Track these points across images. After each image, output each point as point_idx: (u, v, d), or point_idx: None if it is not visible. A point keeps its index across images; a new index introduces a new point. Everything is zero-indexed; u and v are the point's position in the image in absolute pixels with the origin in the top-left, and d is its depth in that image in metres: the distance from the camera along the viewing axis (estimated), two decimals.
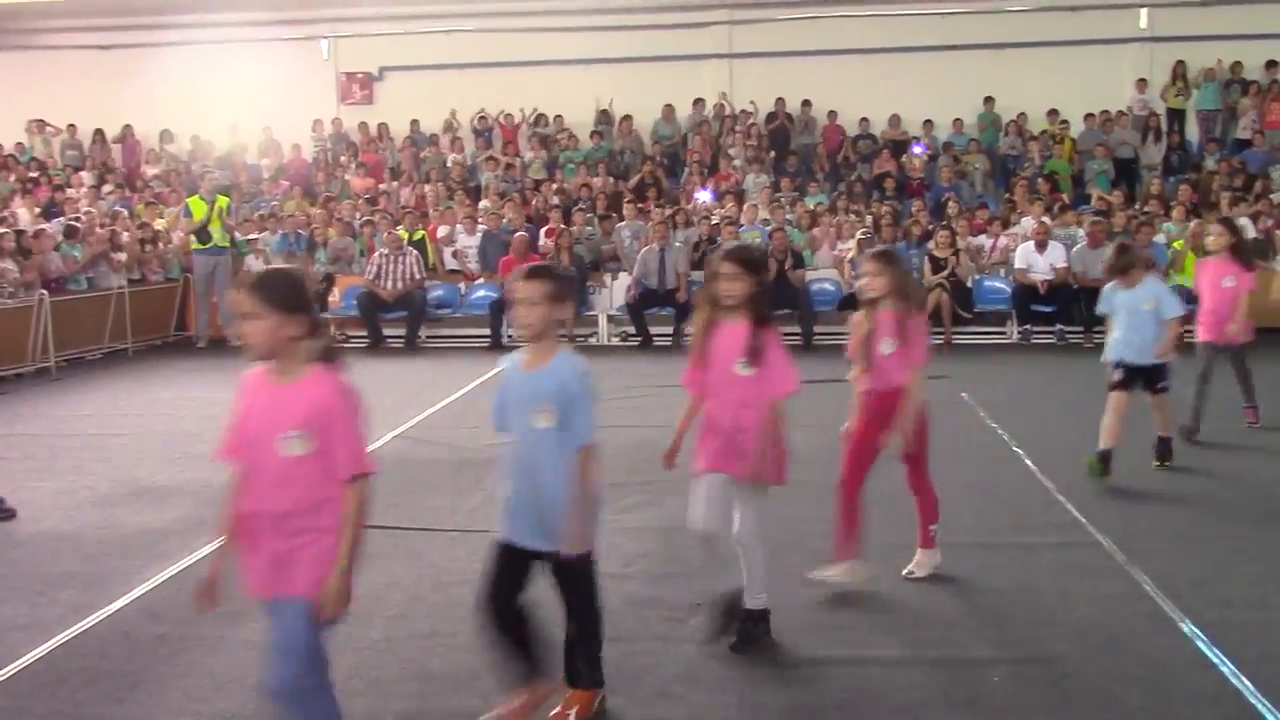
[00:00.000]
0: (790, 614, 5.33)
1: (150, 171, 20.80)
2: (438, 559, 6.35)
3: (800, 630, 5.18)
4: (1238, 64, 20.70)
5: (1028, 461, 8.29)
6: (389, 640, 5.19)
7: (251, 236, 16.83)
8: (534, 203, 18.10)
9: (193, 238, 15.76)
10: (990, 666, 4.77)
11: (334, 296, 15.91)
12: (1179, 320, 7.90)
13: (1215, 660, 4.75)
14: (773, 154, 20.35)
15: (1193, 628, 5.09)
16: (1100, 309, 8.21)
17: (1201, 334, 9.04)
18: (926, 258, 15.17)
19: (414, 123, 21.75)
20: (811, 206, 17.35)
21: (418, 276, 15.50)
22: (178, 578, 6.08)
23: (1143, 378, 7.88)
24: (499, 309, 15.18)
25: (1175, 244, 14.69)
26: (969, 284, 15.15)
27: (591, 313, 15.78)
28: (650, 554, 6.39)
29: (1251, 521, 6.78)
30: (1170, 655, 4.85)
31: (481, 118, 21.33)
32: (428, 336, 15.84)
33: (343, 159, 20.96)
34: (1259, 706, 4.32)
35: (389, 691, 4.67)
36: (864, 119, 21.31)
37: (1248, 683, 4.51)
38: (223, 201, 15.91)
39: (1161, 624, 5.20)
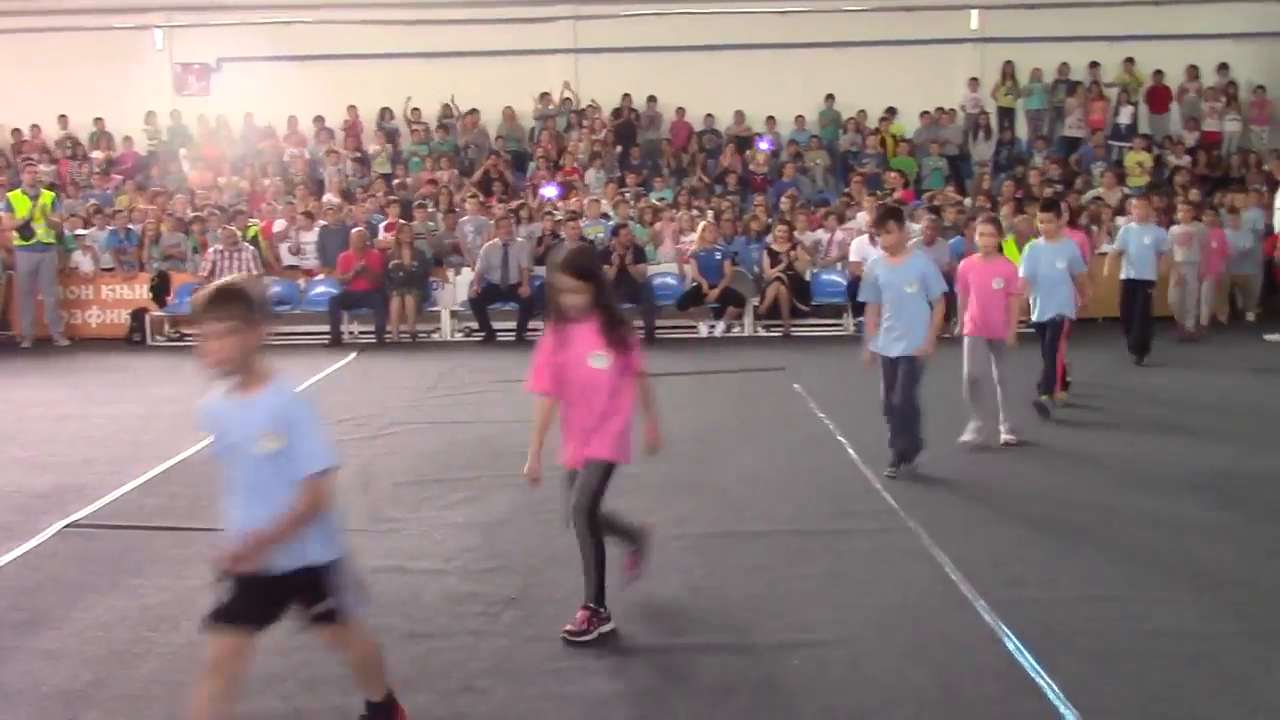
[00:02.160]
0: (609, 602, 5.40)
1: None
2: None
3: (616, 619, 5.24)
4: (1064, 65, 21.57)
5: (851, 451, 8.51)
6: (193, 644, 5.04)
7: (80, 232, 16.24)
8: (378, 197, 17.83)
9: (15, 234, 15.11)
10: (793, 650, 4.91)
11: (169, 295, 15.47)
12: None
13: (1002, 636, 4.98)
14: (619, 149, 20.45)
15: (985, 606, 5.31)
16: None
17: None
18: (765, 251, 15.45)
19: (248, 115, 21.18)
20: (655, 202, 17.47)
21: (254, 272, 15.15)
22: None
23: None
24: (338, 305, 14.96)
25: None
26: (807, 277, 15.49)
27: (434, 308, 15.66)
28: (472, 549, 6.38)
29: (1050, 508, 7.07)
30: (962, 633, 5.06)
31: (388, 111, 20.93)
32: (267, 333, 15.45)
33: (182, 151, 20.31)
34: (1038, 679, 4.54)
35: (188, 696, 4.54)
36: (709, 115, 21.59)
37: (1030, 658, 4.73)
38: (47, 196, 15.29)
39: (957, 604, 5.41)
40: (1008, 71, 21.48)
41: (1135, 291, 11.88)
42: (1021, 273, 9.27)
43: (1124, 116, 21.02)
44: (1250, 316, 15.97)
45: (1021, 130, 21.62)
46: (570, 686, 4.62)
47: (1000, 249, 9.20)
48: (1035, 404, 9.49)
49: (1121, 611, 5.28)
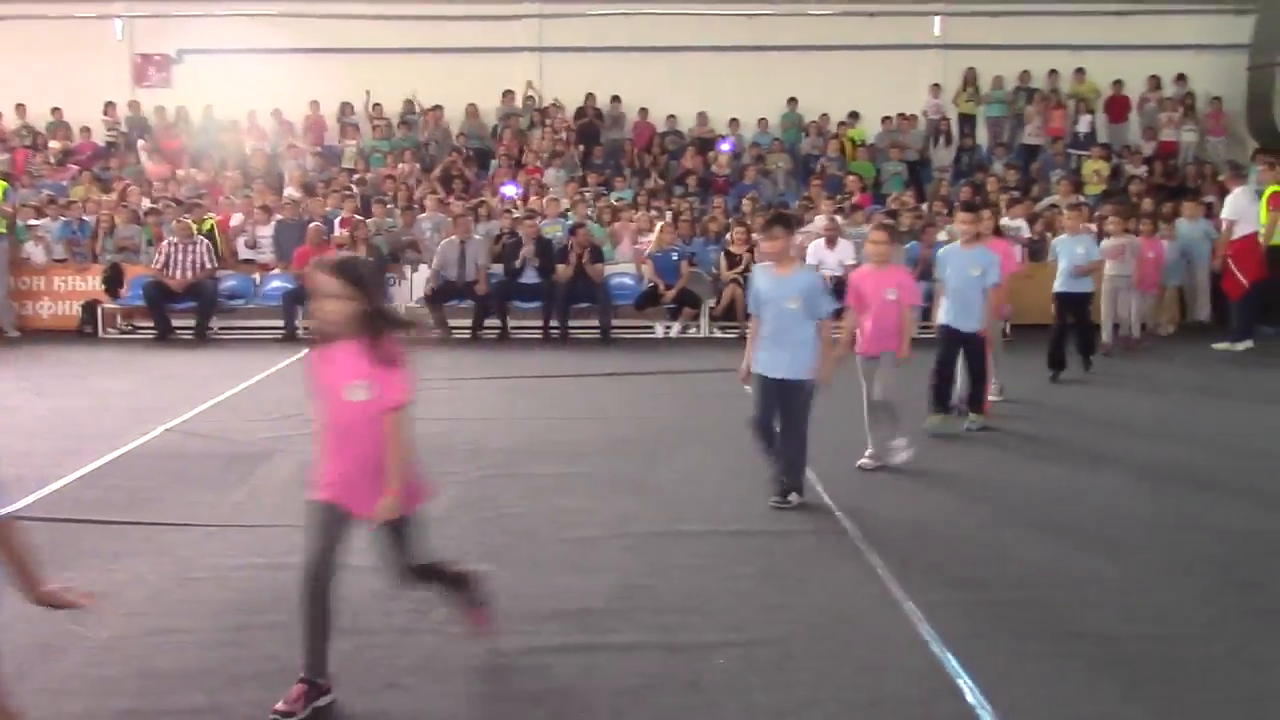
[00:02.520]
0: (532, 602, 5.42)
1: None
2: (189, 554, 6.21)
3: (540, 618, 5.26)
4: (1025, 73, 21.76)
5: None
6: (119, 638, 5.05)
7: (33, 222, 16.07)
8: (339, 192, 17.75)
9: None
10: (719, 649, 4.93)
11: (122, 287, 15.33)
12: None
13: (928, 638, 5.02)
14: (581, 148, 20.45)
15: (913, 608, 5.36)
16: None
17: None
18: (723, 253, 15.49)
19: (208, 107, 21.04)
20: (614, 201, 17.48)
21: (208, 266, 15.05)
22: None
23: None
24: (293, 300, 14.87)
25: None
26: None
27: (390, 304, 15.55)
28: None
29: (986, 514, 7.13)
30: (889, 634, 5.11)
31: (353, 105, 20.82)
32: (220, 328, 15.39)
33: (140, 142, 20.14)
34: (960, 681, 4.59)
35: (108, 690, 4.55)
36: (672, 116, 21.65)
37: (953, 659, 4.78)
38: None
39: (886, 605, 5.45)
40: (969, 78, 21.67)
41: (1067, 305, 11.58)
42: (936, 275, 9.34)
43: (1083, 125, 21.26)
44: (1203, 316, 15.94)
45: (982, 137, 21.79)
46: (494, 684, 4.64)
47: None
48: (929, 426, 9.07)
49: (1046, 614, 5.35)
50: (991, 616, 5.30)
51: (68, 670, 4.74)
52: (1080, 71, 21.57)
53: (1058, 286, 11.57)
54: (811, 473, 7.84)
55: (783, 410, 6.97)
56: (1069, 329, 11.72)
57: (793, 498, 7.07)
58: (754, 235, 15.68)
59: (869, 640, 5.04)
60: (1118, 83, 21.61)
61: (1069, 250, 11.51)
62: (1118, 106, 21.64)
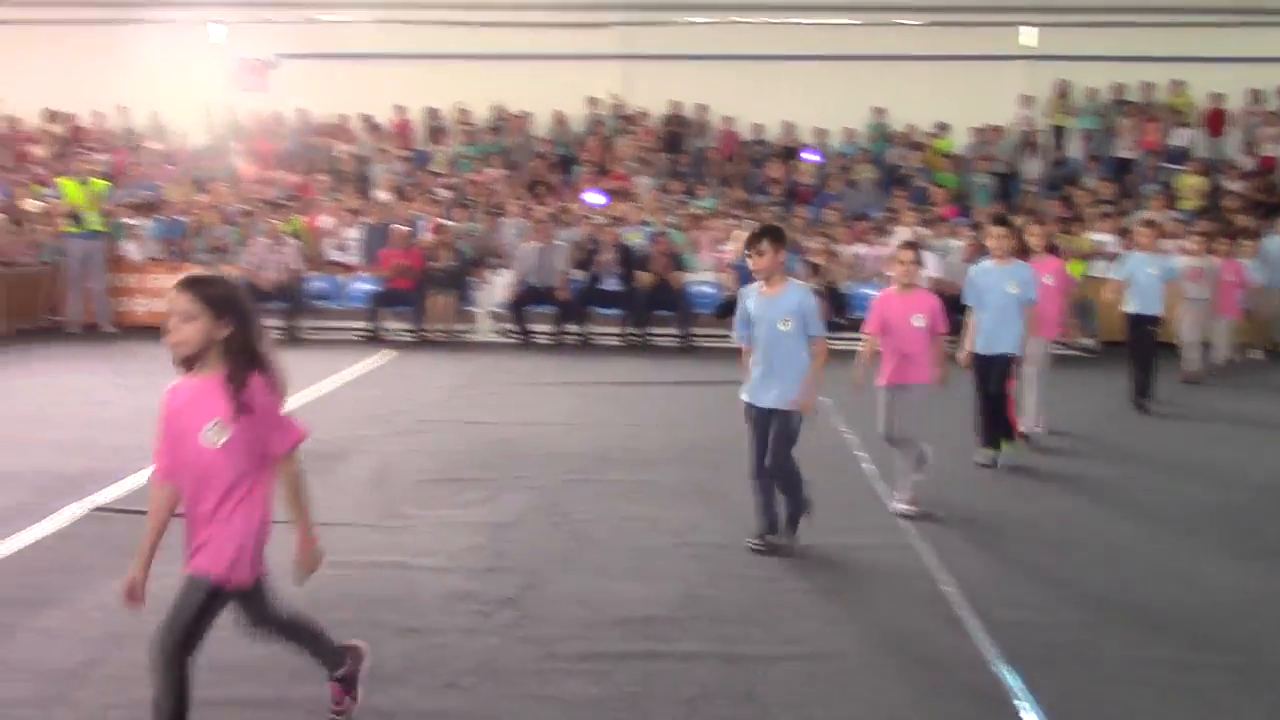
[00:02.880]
0: (596, 608, 5.46)
1: (38, 152, 20.28)
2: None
3: (604, 625, 5.29)
4: (1119, 85, 21.34)
5: (865, 466, 8.51)
6: None
7: (131, 222, 16.54)
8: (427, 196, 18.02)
9: (68, 221, 15.43)
10: (777, 662, 4.92)
11: None
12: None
13: (990, 658, 4.96)
14: (665, 156, 20.51)
15: (978, 627, 5.30)
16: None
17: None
18: (804, 262, 15.42)
19: (301, 111, 21.51)
20: (696, 210, 17.49)
21: (296, 267, 15.38)
22: None
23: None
24: (377, 302, 15.12)
25: None
26: (843, 290, 15.44)
27: (473, 308, 15.79)
28: (477, 548, 6.44)
29: (1056, 535, 7.04)
30: (950, 652, 5.06)
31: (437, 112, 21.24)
32: (307, 328, 15.71)
33: (233, 145, 20.65)
34: (1018, 702, 4.53)
35: None
36: (758, 124, 21.61)
37: (1016, 679, 4.72)
38: (98, 185, 15.60)
39: (950, 623, 5.40)
40: (1061, 89, 21.31)
41: (1140, 328, 10.88)
42: (965, 297, 8.59)
43: (1179, 139, 20.78)
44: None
45: (1074, 149, 21.41)
46: (552, 688, 4.67)
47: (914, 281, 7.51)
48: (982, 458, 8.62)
49: (1117, 638, 5.25)
50: (1059, 639, 5.22)
51: (139, 659, 4.85)
52: (1179, 83, 21.08)
53: (1129, 307, 10.91)
54: (880, 487, 7.83)
55: (770, 443, 6.35)
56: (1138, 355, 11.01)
57: (773, 538, 6.40)
58: (834, 246, 15.64)
59: (929, 658, 5.00)
60: (1216, 96, 21.10)
61: (1141, 268, 10.84)
62: (1216, 120, 21.11)
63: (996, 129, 21.05)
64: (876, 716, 4.44)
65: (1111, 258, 14.55)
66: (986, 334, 8.41)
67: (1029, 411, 9.43)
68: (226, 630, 5.16)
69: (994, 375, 8.44)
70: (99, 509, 7.06)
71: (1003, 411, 8.64)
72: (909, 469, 7.27)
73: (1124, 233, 16.17)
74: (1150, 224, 11.81)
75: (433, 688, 4.63)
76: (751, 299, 6.43)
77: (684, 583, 5.90)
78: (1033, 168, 20.95)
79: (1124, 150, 20.71)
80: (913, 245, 7.76)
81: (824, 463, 8.55)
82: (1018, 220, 10.35)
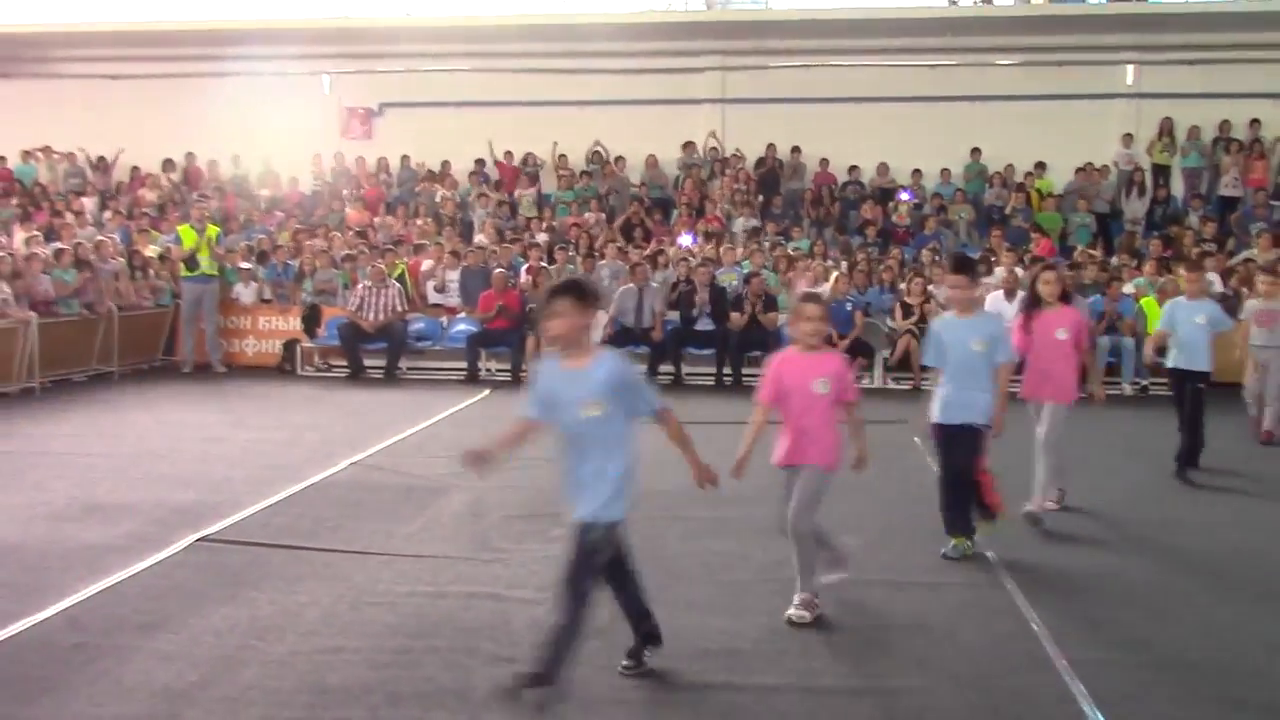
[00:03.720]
0: (683, 641, 5.56)
1: (148, 197, 21.16)
2: (363, 580, 6.57)
3: (689, 657, 5.39)
4: (1225, 122, 20.99)
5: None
6: (293, 654, 5.40)
7: (244, 265, 17.15)
8: (524, 240, 18.40)
9: (182, 265, 16.08)
10: (861, 695, 4.98)
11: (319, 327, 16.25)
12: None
13: (1077, 696, 4.95)
14: (760, 198, 20.66)
15: (1066, 666, 5.29)
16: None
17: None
18: (898, 303, 15.43)
19: (404, 158, 22.17)
20: (790, 251, 17.59)
21: (399, 309, 15.79)
22: (109, 591, 6.30)
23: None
24: (477, 343, 15.44)
25: (1143, 300, 14.87)
26: None
27: None
28: None
29: (1153, 573, 6.98)
30: (1036, 691, 5.05)
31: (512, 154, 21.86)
32: (408, 368, 16.11)
33: (345, 192, 21.33)
34: None
35: (281, 702, 4.88)
36: (853, 166, 21.68)
37: (1101, 717, 4.71)
38: (212, 230, 16.22)
39: (1038, 662, 5.39)
40: (1164, 128, 21.04)
41: (1183, 385, 9.62)
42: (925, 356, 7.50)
43: None
44: None
45: (1177, 188, 21.07)
46: (635, 717, 4.78)
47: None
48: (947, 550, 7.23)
49: (1206, 681, 5.20)
50: (1148, 680, 5.18)
51: (247, 682, 5.10)
52: None
53: (1173, 362, 9.64)
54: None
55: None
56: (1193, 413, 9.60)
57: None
58: (930, 287, 15.61)
59: (1014, 696, 5.00)
60: None
61: (1186, 318, 9.56)
62: None
63: (1099, 169, 20.81)
64: None
65: (1217, 298, 14.30)
66: (944, 400, 7.12)
67: (1036, 489, 8.14)
68: (328, 656, 5.40)
69: (959, 451, 7.10)
70: (208, 539, 7.35)
71: (972, 497, 7.28)
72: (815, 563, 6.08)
73: (1228, 273, 15.93)
74: (1196, 267, 10.43)
75: (521, 715, 4.76)
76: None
77: (770, 617, 5.97)
78: (1136, 207, 20.67)
79: (1228, 188, 20.33)
80: (814, 297, 6.43)
81: (916, 501, 8.60)
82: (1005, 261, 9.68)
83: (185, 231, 16.12)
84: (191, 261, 15.93)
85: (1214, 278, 15.10)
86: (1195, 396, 9.52)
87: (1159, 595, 6.49)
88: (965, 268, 7.14)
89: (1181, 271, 10.96)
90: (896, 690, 5.04)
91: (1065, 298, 8.45)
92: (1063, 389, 8.12)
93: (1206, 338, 9.49)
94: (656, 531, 7.69)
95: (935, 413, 7.13)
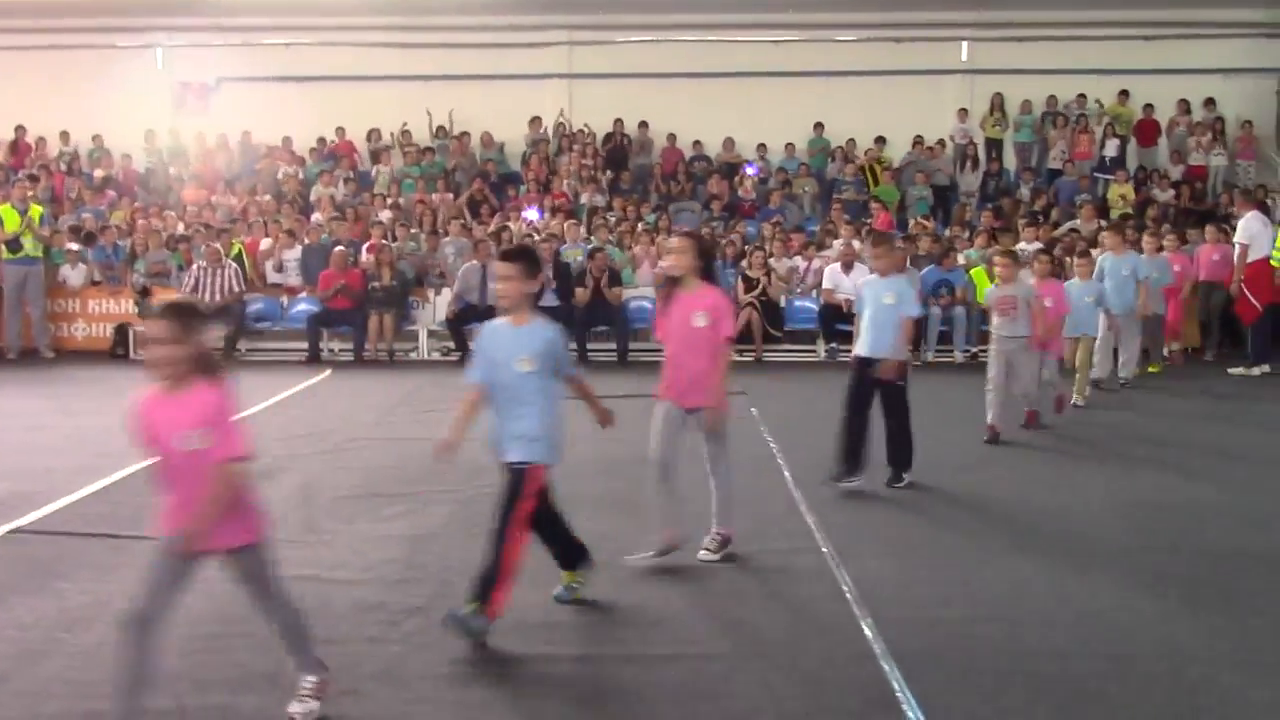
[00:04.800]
0: (504, 616, 5.60)
1: None
2: None
3: (506, 631, 5.43)
4: (1052, 97, 21.80)
5: (786, 473, 8.71)
6: (101, 645, 5.25)
7: (71, 247, 16.54)
8: (366, 218, 18.12)
9: (3, 247, 15.42)
10: (673, 661, 5.09)
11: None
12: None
13: (877, 654, 5.15)
14: (609, 173, 20.72)
15: (871, 625, 5.49)
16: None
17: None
18: (740, 277, 15.67)
19: (245, 134, 21.62)
20: (644, 226, 17.69)
21: (236, 289, 15.44)
22: None
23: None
24: (318, 323, 15.20)
25: (973, 270, 15.38)
26: (780, 303, 15.69)
27: (413, 327, 15.91)
28: (393, 560, 6.58)
29: (966, 533, 7.29)
30: (840, 649, 5.24)
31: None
32: (248, 349, 15.77)
33: (171, 170, 20.70)
34: (899, 695, 4.72)
35: (84, 694, 4.77)
36: (698, 141, 21.87)
37: (899, 674, 4.91)
38: (35, 210, 15.61)
39: (845, 622, 5.59)
40: (996, 103, 21.72)
41: (862, 376, 8.24)
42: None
43: (1110, 149, 21.22)
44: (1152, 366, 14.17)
45: (1010, 161, 21.81)
46: (450, 692, 4.82)
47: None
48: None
49: (1003, 633, 5.45)
50: (946, 634, 5.40)
51: (49, 674, 4.98)
52: (1125, 94, 21.49)
53: (856, 349, 8.43)
54: (799, 494, 8.06)
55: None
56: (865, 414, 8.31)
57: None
58: (770, 260, 15.91)
59: (819, 656, 5.18)
60: (1148, 107, 21.62)
61: (874, 297, 8.29)
62: (1147, 131, 21.62)
63: (937, 142, 21.41)
64: (762, 711, 4.61)
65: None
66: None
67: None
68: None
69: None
70: (19, 530, 7.13)
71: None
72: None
73: (1052, 243, 16.56)
74: (883, 239, 9.08)
75: (332, 695, 4.75)
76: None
77: (590, 590, 6.05)
78: (970, 180, 21.35)
79: (1055, 161, 21.14)
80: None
81: (745, 470, 8.68)
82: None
83: (7, 212, 15.47)
84: (14, 243, 15.32)
85: (1034, 246, 15.66)
86: (872, 389, 8.20)
87: (967, 555, 6.77)
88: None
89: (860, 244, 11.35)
90: (706, 655, 5.17)
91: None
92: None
93: (895, 322, 8.10)
94: (488, 508, 7.67)
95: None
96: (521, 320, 5.49)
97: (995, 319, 10.16)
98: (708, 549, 6.56)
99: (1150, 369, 14.01)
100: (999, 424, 9.96)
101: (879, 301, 8.16)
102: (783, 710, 4.62)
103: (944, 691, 4.76)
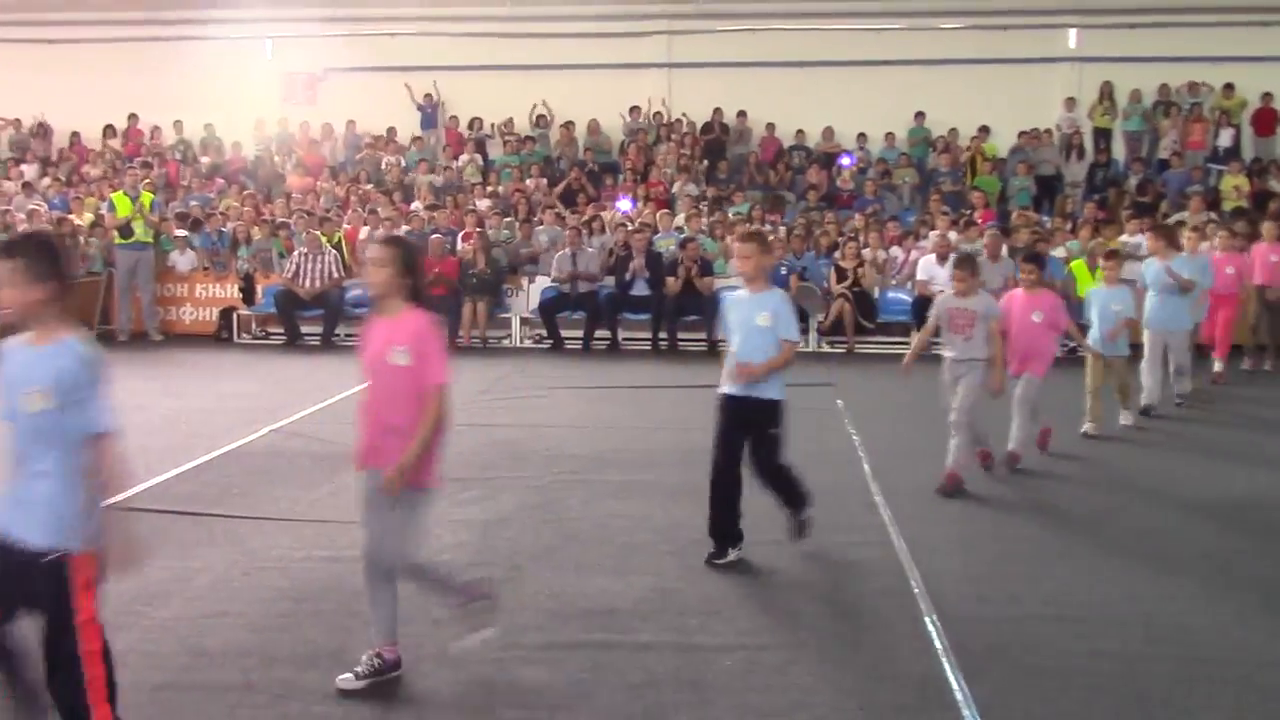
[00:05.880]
0: (565, 601, 5.67)
1: (92, 172, 20.90)
2: (259, 545, 6.64)
3: (566, 617, 5.49)
4: (1163, 86, 21.15)
5: (865, 466, 8.61)
6: (176, 619, 5.46)
7: (179, 233, 17.05)
8: (465, 206, 18.34)
9: (116, 233, 15.97)
10: (729, 651, 5.09)
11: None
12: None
13: (939, 649, 5.09)
14: (705, 163, 20.67)
15: (934, 620, 5.43)
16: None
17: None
18: (832, 268, 15.52)
19: (350, 123, 22.05)
20: (732, 216, 17.63)
21: (335, 276, 15.76)
22: None
23: None
24: None
25: (1073, 263, 15.00)
26: (874, 294, 15.51)
27: (506, 314, 16.08)
28: (464, 545, 6.68)
29: (1041, 530, 7.16)
30: (901, 644, 5.20)
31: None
32: (346, 335, 16.08)
33: (276, 159, 21.20)
34: (957, 693, 4.66)
35: (156, 665, 4.94)
36: (799, 130, 21.68)
37: (959, 671, 4.85)
38: (146, 197, 16.12)
39: (909, 617, 5.53)
40: (1105, 91, 21.14)
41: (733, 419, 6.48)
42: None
43: (1224, 139, 20.52)
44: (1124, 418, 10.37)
45: (1119, 151, 21.23)
46: (506, 674, 4.89)
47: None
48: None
49: (1068, 632, 5.36)
50: (1011, 632, 5.34)
51: (124, 646, 5.11)
52: (1229, 87, 20.79)
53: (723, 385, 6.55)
54: (876, 487, 7.97)
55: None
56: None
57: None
58: (864, 251, 15.73)
59: (879, 649, 5.14)
60: (1266, 95, 20.84)
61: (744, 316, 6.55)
62: (1265, 119, 20.84)
63: (1043, 131, 20.93)
64: (813, 704, 4.59)
65: (1142, 258, 14.44)
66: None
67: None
68: (211, 620, 5.47)
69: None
70: (109, 508, 7.35)
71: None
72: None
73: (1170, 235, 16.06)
74: (752, 237, 6.67)
75: (394, 673, 4.85)
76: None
77: (656, 578, 6.08)
78: (1076, 170, 20.82)
79: (1167, 152, 20.50)
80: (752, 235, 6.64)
81: (825, 462, 8.64)
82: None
83: (119, 199, 16.00)
84: (126, 229, 15.83)
85: (1140, 239, 15.24)
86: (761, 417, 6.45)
87: (1039, 554, 6.63)
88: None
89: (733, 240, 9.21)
90: (764, 645, 5.17)
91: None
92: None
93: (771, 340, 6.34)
94: (564, 494, 7.81)
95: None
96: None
97: (946, 335, 8.15)
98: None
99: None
100: (960, 469, 7.94)
101: (750, 323, 6.31)
102: (835, 703, 4.60)
103: (1003, 690, 4.70)
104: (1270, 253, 13.66)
